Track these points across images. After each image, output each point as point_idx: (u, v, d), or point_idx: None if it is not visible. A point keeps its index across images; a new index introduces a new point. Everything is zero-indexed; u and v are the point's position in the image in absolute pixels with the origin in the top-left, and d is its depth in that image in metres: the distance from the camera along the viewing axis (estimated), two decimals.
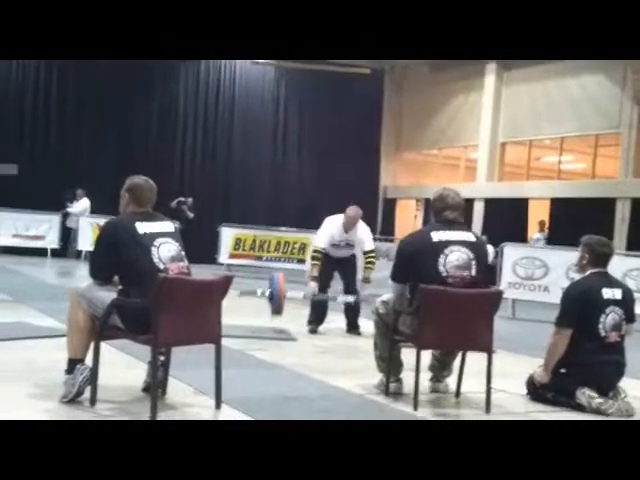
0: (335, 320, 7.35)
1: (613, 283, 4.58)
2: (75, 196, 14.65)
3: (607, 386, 4.43)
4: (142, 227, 3.88)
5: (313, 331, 7.12)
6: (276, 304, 6.68)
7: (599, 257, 4.54)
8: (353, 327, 7.22)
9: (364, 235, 7.23)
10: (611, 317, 4.44)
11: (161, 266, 3.81)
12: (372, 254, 7.23)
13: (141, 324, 3.70)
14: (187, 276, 3.94)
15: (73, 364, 3.83)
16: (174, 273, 3.83)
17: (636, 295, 5.03)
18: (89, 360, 3.83)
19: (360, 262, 7.41)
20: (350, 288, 7.23)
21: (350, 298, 7.08)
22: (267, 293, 6.82)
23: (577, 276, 4.87)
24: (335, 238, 7.12)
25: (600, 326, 4.41)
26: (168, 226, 4.04)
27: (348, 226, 7.08)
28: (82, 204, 14.70)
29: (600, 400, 4.33)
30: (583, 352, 4.39)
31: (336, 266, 7.28)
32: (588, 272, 4.56)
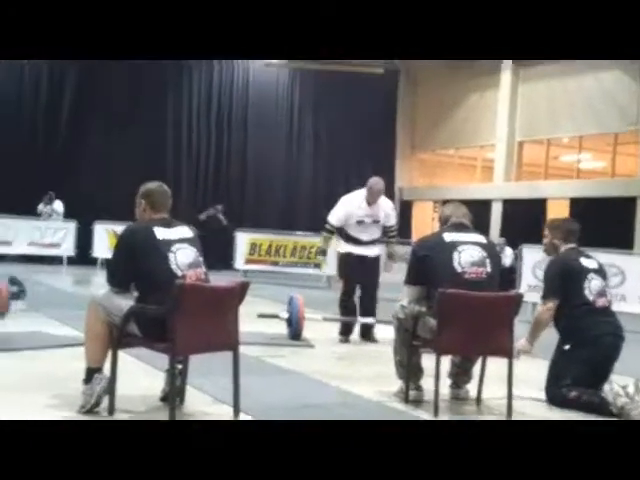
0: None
1: (587, 255, 4.75)
2: (51, 198, 14.54)
3: (611, 347, 4.46)
4: (160, 233, 3.85)
5: (346, 341, 6.86)
6: (294, 330, 6.59)
7: (569, 233, 4.71)
8: (366, 334, 6.93)
9: (389, 209, 7.03)
10: (594, 283, 4.55)
11: (179, 273, 3.77)
12: (394, 227, 7.13)
13: (159, 332, 3.67)
14: (205, 282, 3.90)
15: (91, 373, 3.80)
16: (192, 280, 3.79)
17: None
18: (107, 369, 3.80)
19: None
20: (369, 304, 6.90)
21: (369, 320, 6.84)
22: (286, 316, 6.73)
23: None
24: (359, 214, 6.82)
25: (586, 292, 4.51)
26: (186, 232, 3.99)
27: (372, 198, 6.78)
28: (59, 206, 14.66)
29: (626, 400, 4.24)
30: (577, 319, 4.48)
31: (359, 268, 6.91)
32: (562, 249, 4.70)
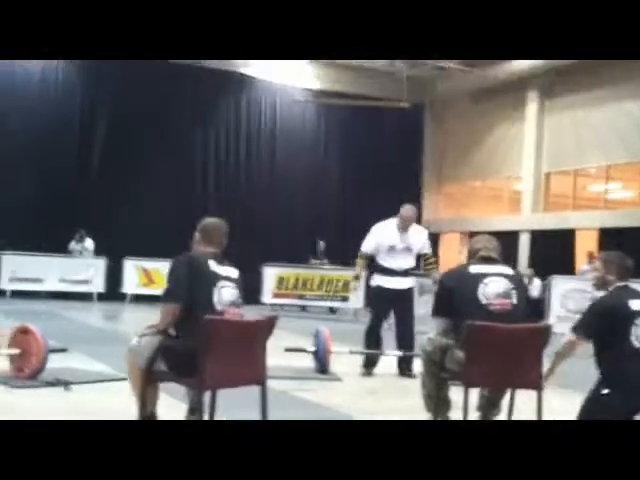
0: (385, 359, 7.05)
1: (638, 294, 4.51)
2: (82, 236, 14.76)
3: None
4: (212, 265, 3.94)
5: (368, 374, 6.82)
6: (321, 363, 6.59)
7: (625, 269, 4.50)
8: (405, 368, 6.84)
9: (424, 237, 7.02)
10: None
11: (218, 307, 3.84)
12: (430, 255, 7.10)
13: (186, 367, 3.70)
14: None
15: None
16: (229, 317, 3.85)
17: None
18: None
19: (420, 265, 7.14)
20: (404, 339, 6.82)
21: (400, 353, 6.80)
22: (313, 349, 6.74)
23: (597, 294, 4.82)
24: (391, 240, 6.82)
25: (633, 337, 4.29)
26: (233, 272, 4.07)
27: (404, 225, 6.81)
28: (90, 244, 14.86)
29: None
30: (620, 365, 4.28)
31: (391, 302, 6.89)
32: (612, 287, 4.48)
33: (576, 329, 4.39)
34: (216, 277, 3.89)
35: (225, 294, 3.89)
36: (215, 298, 3.84)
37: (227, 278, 3.96)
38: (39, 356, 5.48)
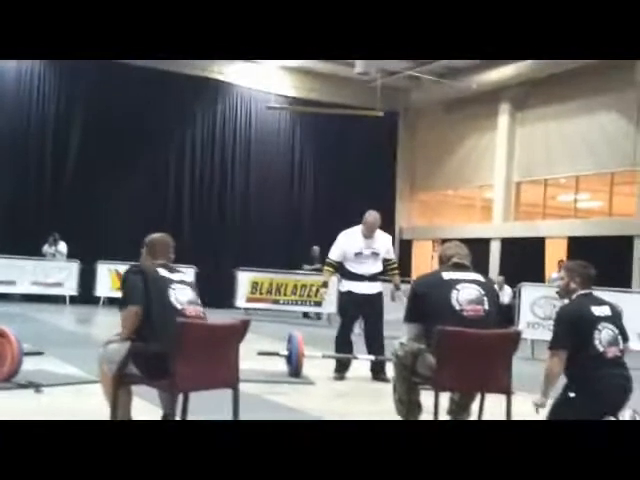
0: (358, 364, 7.17)
1: (599, 301, 4.62)
2: (55, 239, 14.66)
3: (618, 400, 4.36)
4: (162, 272, 4.05)
5: (341, 378, 6.91)
6: (294, 367, 6.65)
7: (589, 279, 4.60)
8: (379, 372, 6.94)
9: (388, 243, 7.20)
10: (605, 332, 4.42)
11: (178, 306, 3.91)
12: (394, 260, 7.24)
13: (157, 370, 3.73)
14: (203, 320, 4.00)
15: None
16: (191, 314, 3.91)
17: None
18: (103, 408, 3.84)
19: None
20: (375, 343, 6.92)
21: (372, 357, 6.90)
22: (285, 353, 6.80)
23: (560, 302, 4.89)
24: (357, 247, 6.97)
25: (596, 342, 4.38)
26: (186, 277, 4.22)
27: (369, 231, 6.97)
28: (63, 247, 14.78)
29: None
30: (586, 369, 4.35)
31: (361, 306, 7.03)
32: (575, 295, 4.58)
33: (552, 347, 4.40)
34: (169, 281, 4.01)
35: (181, 294, 3.99)
36: (172, 298, 3.93)
37: (181, 282, 4.08)
38: (14, 359, 5.45)
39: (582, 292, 4.57)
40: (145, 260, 4.22)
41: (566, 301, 4.68)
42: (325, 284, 7.45)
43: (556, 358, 4.36)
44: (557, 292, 4.85)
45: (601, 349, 4.37)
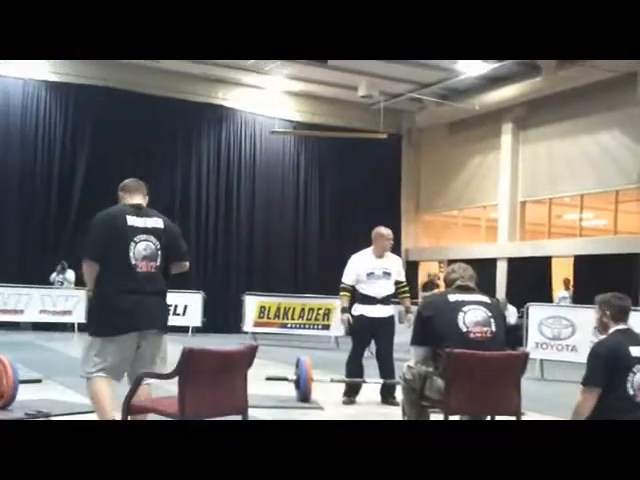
0: (367, 387, 7.11)
1: (638, 340, 4.43)
2: (64, 268, 14.75)
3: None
4: (131, 220, 4.27)
5: (350, 402, 6.86)
6: (303, 391, 6.63)
7: (620, 311, 4.42)
8: (388, 396, 6.91)
9: (399, 264, 7.22)
10: (639, 376, 4.26)
11: (132, 262, 4.16)
12: (405, 283, 7.21)
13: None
14: (153, 274, 4.23)
15: None
16: (142, 270, 4.18)
17: None
18: None
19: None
20: (385, 366, 6.90)
21: (380, 381, 6.87)
22: (294, 378, 6.77)
23: (598, 337, 4.73)
24: (369, 267, 6.95)
25: (629, 385, 4.24)
26: (158, 222, 4.39)
27: (380, 249, 6.98)
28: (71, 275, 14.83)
29: None
30: (612, 412, 4.22)
31: (373, 330, 6.98)
32: (611, 330, 4.41)
33: (586, 383, 4.24)
34: (133, 231, 4.22)
35: (140, 248, 4.20)
36: (131, 252, 4.17)
37: (147, 230, 4.26)
38: (9, 386, 5.47)
39: (618, 327, 4.36)
40: (122, 201, 4.46)
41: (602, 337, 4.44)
42: (345, 309, 7.16)
43: (589, 395, 4.19)
44: (595, 328, 4.63)
45: (631, 392, 4.22)
